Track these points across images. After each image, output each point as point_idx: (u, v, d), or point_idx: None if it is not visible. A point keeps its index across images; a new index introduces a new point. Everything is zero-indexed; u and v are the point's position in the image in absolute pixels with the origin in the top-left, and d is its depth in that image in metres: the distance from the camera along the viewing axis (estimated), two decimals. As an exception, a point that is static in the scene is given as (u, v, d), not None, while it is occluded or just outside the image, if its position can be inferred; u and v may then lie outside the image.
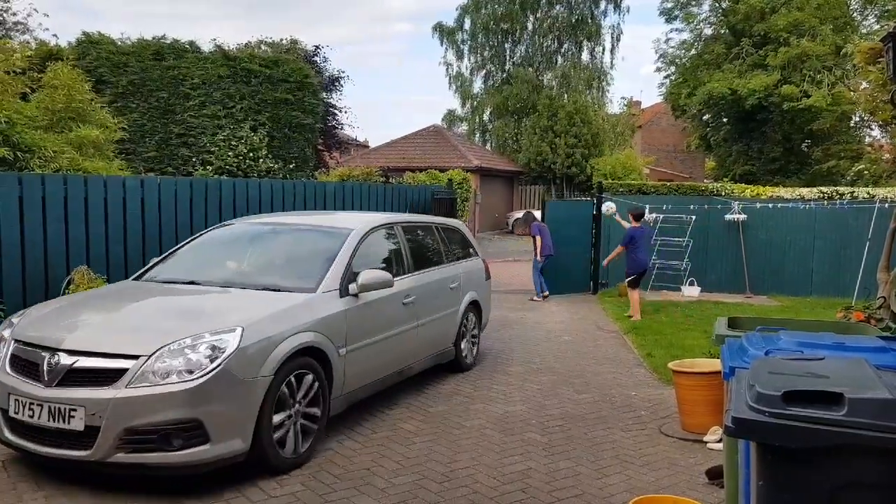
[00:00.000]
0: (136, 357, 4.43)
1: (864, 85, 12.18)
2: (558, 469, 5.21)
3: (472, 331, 8.34)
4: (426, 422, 6.23)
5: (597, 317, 12.15)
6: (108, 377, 4.40)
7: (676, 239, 14.86)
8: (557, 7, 40.39)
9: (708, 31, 37.08)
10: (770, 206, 14.94)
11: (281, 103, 20.13)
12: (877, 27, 29.91)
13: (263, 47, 23.04)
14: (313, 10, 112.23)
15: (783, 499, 2.63)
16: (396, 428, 6.03)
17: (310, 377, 5.18)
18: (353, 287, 5.82)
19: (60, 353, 4.52)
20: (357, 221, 6.75)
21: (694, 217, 14.83)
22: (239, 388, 4.56)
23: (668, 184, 19.85)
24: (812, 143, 32.10)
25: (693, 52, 37.18)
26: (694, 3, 36.33)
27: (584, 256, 14.96)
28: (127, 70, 19.01)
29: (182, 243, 6.94)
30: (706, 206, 14.99)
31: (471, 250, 8.87)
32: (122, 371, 4.39)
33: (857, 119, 31.23)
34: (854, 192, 15.54)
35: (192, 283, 5.93)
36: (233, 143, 19.02)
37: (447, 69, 42.67)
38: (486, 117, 42.98)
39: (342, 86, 25.50)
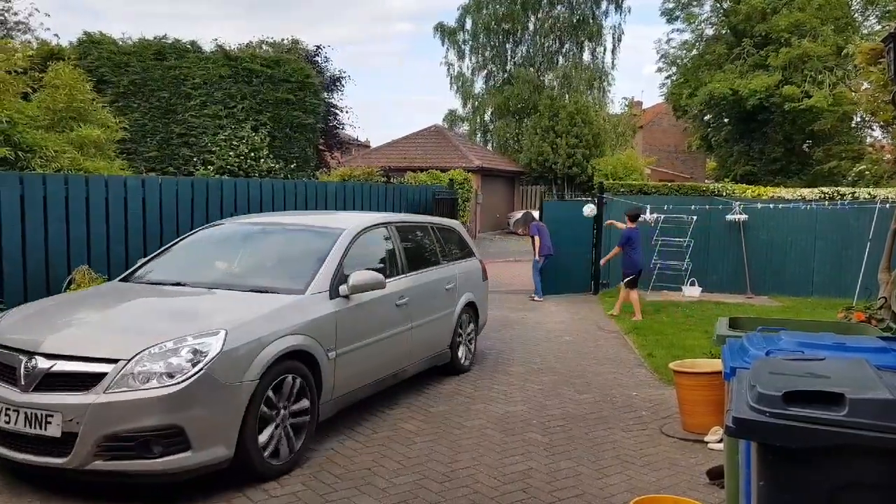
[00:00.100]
0: (115, 361, 4.30)
1: (866, 85, 12.18)
2: (559, 469, 5.21)
3: (468, 333, 8.22)
4: (427, 422, 6.23)
5: (597, 317, 12.15)
6: (86, 382, 4.28)
7: (677, 239, 14.85)
8: (559, 7, 40.41)
9: (709, 32, 37.08)
10: (771, 206, 14.93)
11: (282, 103, 20.14)
12: (878, 28, 29.92)
13: (265, 47, 23.05)
14: (314, 10, 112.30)
15: (784, 499, 2.64)
16: (397, 428, 6.03)
17: (297, 381, 5.04)
18: (343, 288, 5.69)
19: (38, 357, 4.39)
20: (349, 221, 6.63)
21: (695, 217, 14.82)
22: (222, 393, 4.43)
23: (670, 184, 19.84)
24: (813, 144, 32.09)
25: (694, 52, 37.17)
26: (695, 3, 36.33)
27: (584, 257, 14.95)
28: (128, 70, 19.02)
29: (171, 243, 6.86)
30: (707, 207, 14.98)
31: (468, 251, 8.75)
32: (101, 375, 4.26)
33: (859, 120, 31.22)
34: (855, 192, 15.52)
35: (178, 284, 5.81)
36: (234, 142, 19.03)
37: (448, 69, 42.73)
38: (487, 117, 43.00)
39: (343, 86, 25.53)
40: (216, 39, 34.64)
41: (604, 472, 5.20)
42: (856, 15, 33.24)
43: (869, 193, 15.26)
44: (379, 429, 6.00)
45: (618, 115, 42.60)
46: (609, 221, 14.30)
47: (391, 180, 21.99)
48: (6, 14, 22.75)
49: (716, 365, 5.81)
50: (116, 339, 4.56)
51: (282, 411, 4.90)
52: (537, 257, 14.16)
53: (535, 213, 16.29)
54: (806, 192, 16.14)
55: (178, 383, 4.26)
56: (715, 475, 4.95)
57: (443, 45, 42.70)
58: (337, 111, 25.51)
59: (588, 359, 8.98)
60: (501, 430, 6.04)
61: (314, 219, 7.26)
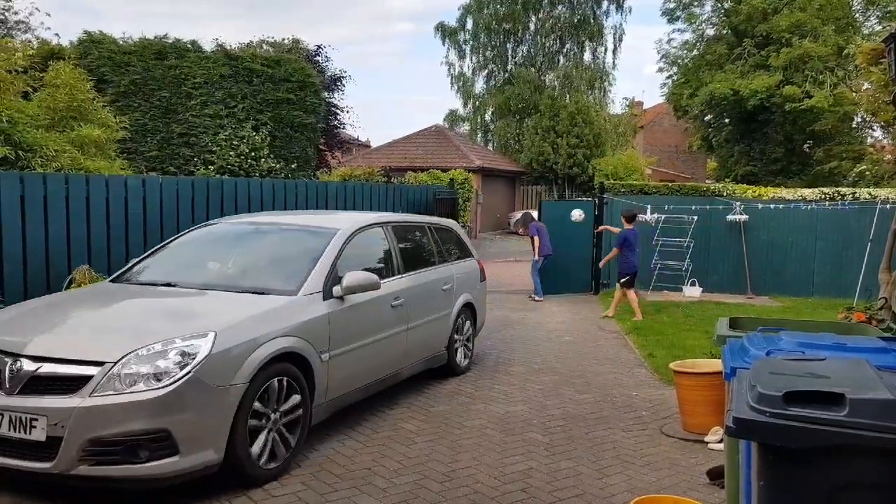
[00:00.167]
0: (101, 363, 4.21)
1: (866, 86, 12.19)
2: (559, 469, 5.21)
3: (465, 334, 8.14)
4: (427, 421, 6.23)
5: (598, 317, 12.14)
6: (71, 385, 4.19)
7: (678, 239, 14.84)
8: (559, 7, 40.42)
9: (710, 32, 37.06)
10: (772, 206, 14.93)
11: (283, 103, 20.14)
12: (879, 28, 29.93)
13: (265, 47, 23.05)
14: (314, 10, 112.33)
15: (784, 499, 2.63)
16: (398, 428, 6.04)
17: (290, 384, 4.96)
18: (337, 289, 5.61)
19: (23, 359, 4.29)
20: (344, 221, 6.53)
21: (696, 217, 14.82)
22: (210, 396, 4.35)
23: (670, 184, 19.81)
24: (814, 144, 32.08)
25: (695, 52, 37.14)
26: (696, 3, 36.30)
27: (584, 257, 14.95)
28: (129, 69, 19.01)
29: (164, 242, 6.77)
30: (708, 207, 14.97)
31: (465, 251, 8.66)
32: (87, 378, 4.17)
33: (859, 120, 31.21)
34: (856, 192, 15.52)
35: (169, 284, 5.72)
36: (234, 142, 19.03)
37: (449, 69, 42.74)
38: (487, 117, 43.01)
39: (344, 85, 25.48)
40: (217, 39, 34.71)
41: (604, 472, 5.19)
42: (857, 15, 33.23)
43: (869, 194, 15.26)
44: (379, 429, 6.00)
45: (619, 116, 42.57)
46: (601, 227, 14.28)
47: (392, 180, 21.99)
48: (7, 13, 22.74)
49: (716, 365, 5.81)
50: (103, 342, 4.49)
51: (273, 415, 4.82)
52: (537, 257, 14.17)
53: (534, 214, 16.29)
54: (806, 192, 16.13)
55: (166, 386, 4.18)
56: (715, 475, 4.95)
57: (443, 44, 42.78)
58: (337, 111, 25.50)
59: (588, 359, 8.98)
60: (502, 430, 6.04)
61: (309, 218, 7.17)
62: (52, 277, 7.92)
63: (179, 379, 4.22)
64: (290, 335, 5.00)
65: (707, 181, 36.05)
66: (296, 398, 5.02)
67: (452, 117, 43.78)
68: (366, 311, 5.99)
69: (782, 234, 14.85)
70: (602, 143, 35.72)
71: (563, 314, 12.45)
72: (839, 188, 16.79)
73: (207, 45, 20.29)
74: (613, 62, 54.11)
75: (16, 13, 23.40)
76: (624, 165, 30.70)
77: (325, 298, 5.53)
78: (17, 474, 4.33)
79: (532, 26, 41.20)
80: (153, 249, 6.63)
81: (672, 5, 36.77)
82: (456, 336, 7.84)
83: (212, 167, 18.55)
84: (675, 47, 38.68)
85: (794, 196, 15.78)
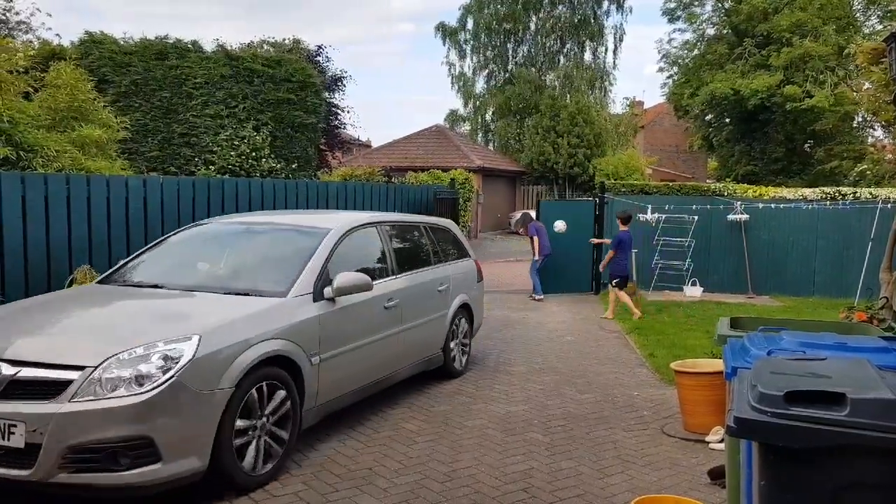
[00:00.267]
0: (81, 368, 4.09)
1: (867, 85, 12.18)
2: (560, 469, 5.21)
3: (462, 335, 8.02)
4: (428, 421, 6.23)
5: (599, 317, 12.13)
6: (51, 390, 4.06)
7: (679, 239, 14.85)
8: (560, 7, 40.39)
9: (711, 32, 37.05)
10: (772, 206, 14.92)
11: (283, 103, 20.15)
12: (879, 27, 29.91)
13: (266, 47, 23.04)
14: (315, 11, 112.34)
15: (785, 499, 2.63)
16: (398, 427, 6.04)
17: (278, 388, 4.85)
18: (328, 291, 5.48)
19: (2, 363, 4.16)
20: (337, 221, 6.39)
21: (696, 217, 14.82)
22: (194, 401, 4.23)
23: (671, 184, 19.80)
24: (815, 144, 32.06)
25: (696, 52, 37.13)
26: (697, 3, 36.28)
27: (585, 256, 14.95)
28: (129, 70, 19.04)
29: (153, 242, 6.68)
30: (708, 207, 14.97)
31: (462, 251, 8.53)
32: (67, 383, 4.05)
33: (860, 119, 31.21)
34: (857, 192, 15.51)
35: (156, 286, 5.60)
36: (235, 142, 19.04)
37: (450, 69, 42.73)
38: (488, 117, 42.99)
39: (345, 85, 25.49)
40: (217, 39, 34.65)
41: (605, 471, 5.19)
42: (857, 15, 33.20)
43: (870, 193, 15.24)
44: (380, 428, 6.00)
45: (619, 115, 42.57)
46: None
47: (392, 180, 21.99)
48: (8, 14, 22.74)
49: (717, 365, 5.81)
50: (84, 345, 4.37)
51: (260, 420, 4.71)
52: (536, 257, 14.19)
53: (533, 214, 16.30)
54: (807, 191, 16.12)
55: (147, 391, 4.07)
56: (716, 475, 4.95)
57: (444, 44, 42.74)
58: (338, 111, 25.50)
59: (589, 358, 8.97)
60: (503, 430, 6.04)
61: (301, 218, 7.01)
62: (53, 277, 7.93)
63: (162, 384, 4.11)
64: (278, 338, 4.89)
65: (708, 181, 36.06)
66: (284, 403, 4.91)
67: (453, 117, 43.78)
68: (358, 313, 5.86)
69: (783, 233, 14.84)
70: (603, 143, 35.72)
71: (564, 314, 12.45)
72: (840, 188, 16.78)
73: (208, 46, 20.35)
74: (614, 62, 54.22)
75: (17, 13, 23.45)
76: (625, 165, 30.73)
77: (315, 300, 5.41)
78: None
79: (532, 26, 41.20)
80: (142, 250, 6.55)
81: (672, 5, 36.77)
82: (452, 337, 7.74)
83: (212, 167, 18.56)
84: (675, 47, 38.71)
85: (794, 196, 15.78)
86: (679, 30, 53.41)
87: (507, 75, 41.24)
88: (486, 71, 42.31)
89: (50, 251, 7.99)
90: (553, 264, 14.37)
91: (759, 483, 2.71)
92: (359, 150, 36.91)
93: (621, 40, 41.92)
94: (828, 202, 14.96)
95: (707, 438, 5.82)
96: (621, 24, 51.38)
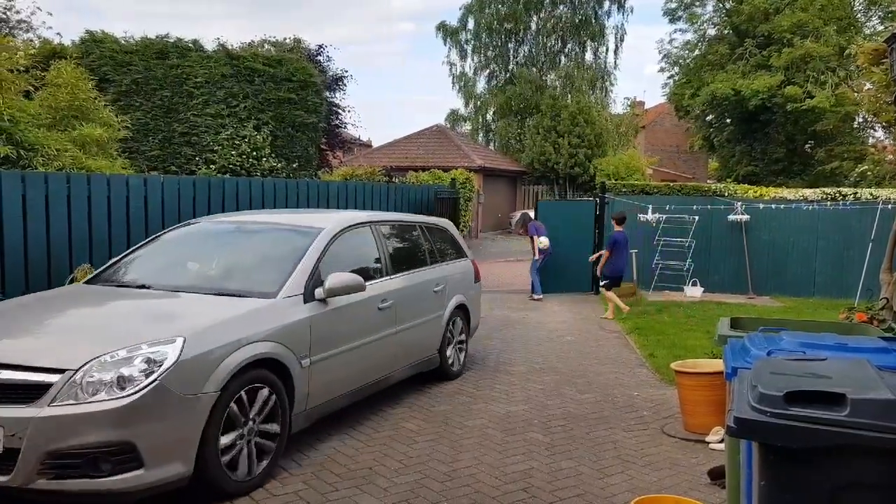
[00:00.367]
0: (62, 371, 3.99)
1: (868, 86, 12.18)
2: (560, 469, 5.21)
3: (458, 336, 7.93)
4: (428, 421, 6.23)
5: (598, 317, 12.13)
6: (31, 393, 3.96)
7: (679, 239, 14.85)
8: (561, 7, 40.36)
9: (712, 32, 37.07)
10: (773, 206, 14.92)
11: (284, 102, 20.16)
12: (880, 28, 29.92)
13: (267, 46, 23.07)
14: (315, 10, 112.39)
15: (785, 499, 2.64)
16: (399, 427, 6.04)
17: (266, 392, 4.74)
18: (319, 291, 5.37)
19: None
20: (329, 220, 6.25)
21: (697, 217, 14.82)
22: (178, 406, 4.12)
23: (672, 184, 19.78)
24: (815, 144, 32.06)
25: (697, 52, 37.15)
26: (697, 3, 36.30)
27: (585, 256, 14.95)
28: (130, 69, 19.06)
29: (143, 242, 6.56)
30: (709, 207, 14.97)
31: (459, 251, 8.42)
32: (47, 386, 3.95)
33: (861, 120, 31.21)
34: (857, 193, 15.50)
35: (143, 286, 5.50)
36: (236, 142, 19.05)
37: (450, 69, 42.67)
38: (489, 117, 42.95)
39: (345, 85, 25.55)
40: (218, 38, 34.68)
41: (605, 471, 5.20)
42: (858, 15, 33.21)
43: (871, 194, 15.23)
44: (380, 428, 6.00)
45: (620, 115, 42.51)
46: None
47: (393, 180, 21.99)
48: (8, 13, 22.74)
49: (717, 365, 5.82)
50: (65, 348, 4.27)
51: (248, 424, 4.61)
52: (536, 256, 14.21)
53: (532, 214, 16.32)
54: (808, 192, 16.11)
55: (129, 396, 3.96)
56: (716, 475, 4.95)
57: (445, 44, 42.68)
58: (339, 110, 25.53)
59: (589, 358, 8.98)
60: (503, 430, 6.05)
61: (293, 217, 6.86)
62: (53, 277, 7.93)
63: (144, 387, 4.01)
64: (267, 340, 4.79)
65: (708, 181, 36.06)
66: (273, 407, 4.82)
67: (454, 117, 43.75)
68: (350, 314, 5.75)
69: (784, 234, 14.84)
70: (603, 143, 35.68)
71: (564, 314, 12.45)
72: (841, 188, 16.77)
73: (209, 45, 20.39)
74: (615, 62, 53.92)
75: (17, 12, 23.40)
76: (625, 165, 30.69)
77: (306, 301, 5.30)
78: None
79: (533, 26, 41.17)
80: (132, 249, 6.46)
81: (673, 5, 36.80)
82: (448, 339, 7.65)
83: (213, 166, 18.57)
84: (676, 47, 38.74)
85: (795, 196, 15.77)
86: (680, 30, 53.65)
87: (507, 75, 41.21)
88: (487, 71, 42.30)
89: (50, 250, 7.99)
90: (553, 264, 14.39)
91: (758, 483, 2.71)
92: (359, 149, 36.95)
93: (622, 40, 41.89)
94: (828, 203, 14.95)
95: (707, 438, 5.82)
96: (622, 24, 51.66)
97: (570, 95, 38.50)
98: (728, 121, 35.18)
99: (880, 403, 2.57)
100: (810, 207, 14.76)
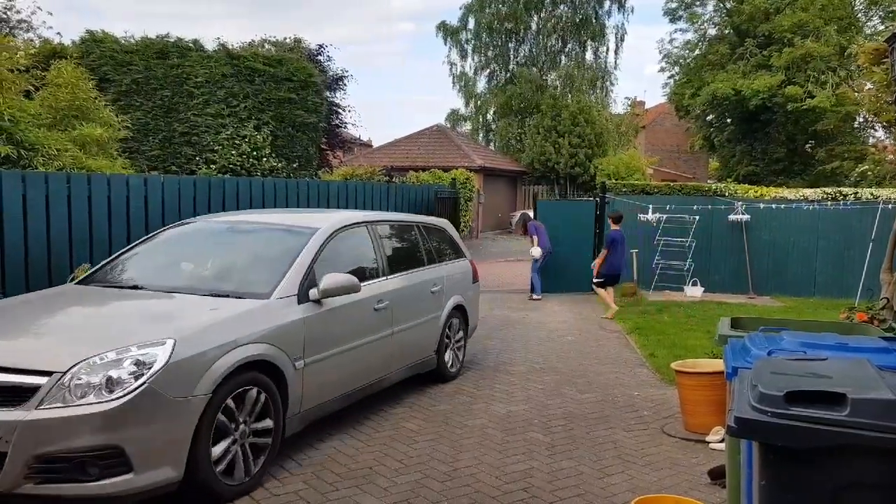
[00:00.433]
0: (49, 373, 3.92)
1: (869, 86, 12.20)
2: (560, 468, 5.21)
3: (456, 338, 7.86)
4: (429, 421, 6.23)
5: (599, 316, 12.13)
6: (18, 396, 3.89)
7: (679, 239, 14.86)
8: (561, 7, 40.38)
9: (712, 32, 37.09)
10: (773, 206, 14.91)
11: (284, 102, 20.16)
12: (881, 28, 29.92)
13: (267, 46, 23.06)
14: (316, 10, 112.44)
15: (785, 499, 2.63)
16: (399, 427, 6.04)
17: (259, 394, 4.67)
18: (313, 292, 5.31)
19: None
20: (325, 220, 6.18)
21: (697, 217, 14.82)
22: (168, 409, 4.05)
23: (672, 184, 19.78)
24: (816, 144, 32.07)
25: (697, 52, 37.17)
26: (698, 3, 36.32)
27: (586, 256, 14.95)
28: (130, 68, 19.05)
29: (137, 242, 6.50)
30: (709, 207, 14.97)
31: (457, 251, 8.35)
32: (34, 389, 3.88)
33: (861, 120, 31.20)
34: (858, 192, 15.50)
35: (136, 287, 5.44)
36: (236, 141, 19.05)
37: (451, 68, 42.72)
38: (489, 117, 43.00)
39: (346, 85, 25.55)
40: (219, 38, 34.66)
41: (605, 471, 5.19)
42: (859, 15, 33.21)
43: (871, 194, 15.24)
44: (381, 428, 6.00)
45: (620, 115, 42.56)
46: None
47: (393, 180, 22.00)
48: (9, 12, 22.75)
49: (717, 365, 5.82)
50: (53, 350, 4.21)
51: (240, 427, 4.54)
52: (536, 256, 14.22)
53: (531, 214, 16.33)
54: (808, 192, 16.11)
55: (118, 399, 3.89)
56: (716, 475, 4.95)
57: (445, 44, 42.74)
58: (339, 110, 25.53)
59: (590, 358, 8.97)
60: (503, 430, 6.04)
61: (288, 217, 6.78)
62: (54, 276, 7.93)
63: (133, 390, 3.94)
64: (260, 342, 4.72)
65: (709, 181, 36.05)
66: (266, 409, 4.76)
67: (454, 117, 43.79)
68: (345, 315, 5.68)
69: (784, 234, 14.83)
70: (604, 143, 35.71)
71: (565, 314, 12.44)
72: (841, 188, 16.78)
73: (209, 45, 20.36)
74: (615, 62, 54.10)
75: (18, 12, 23.43)
76: (626, 165, 30.71)
77: (300, 302, 5.23)
78: None
79: (534, 26, 41.19)
80: (125, 248, 6.41)
81: (674, 5, 36.82)
82: (446, 340, 7.57)
83: (213, 166, 18.57)
84: (676, 47, 38.77)
85: (795, 196, 15.76)
86: (680, 30, 53.61)
87: (508, 75, 41.24)
88: (488, 70, 42.33)
89: (51, 249, 7.99)
90: (553, 264, 14.39)
91: (759, 483, 2.71)
92: (360, 149, 36.96)
93: (622, 40, 41.94)
94: (829, 203, 14.95)
95: (707, 438, 5.82)
96: (623, 23, 51.62)
97: (570, 95, 38.54)
98: (728, 121, 35.20)
99: (881, 403, 2.57)
100: (811, 207, 14.76)
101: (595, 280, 12.38)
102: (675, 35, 57.15)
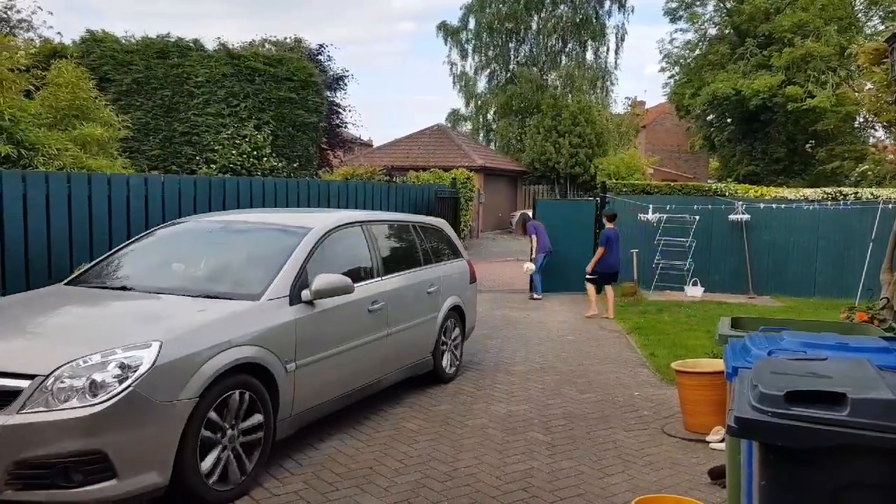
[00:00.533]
0: (32, 377, 3.83)
1: (869, 86, 12.20)
2: (561, 468, 5.21)
3: (453, 339, 7.76)
4: (429, 420, 6.23)
5: (600, 316, 12.12)
6: None
7: (680, 239, 14.86)
8: (562, 7, 40.39)
9: (712, 32, 37.12)
10: (774, 206, 14.92)
11: (285, 102, 20.15)
12: (881, 28, 29.93)
13: (268, 46, 23.04)
14: (316, 10, 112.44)
15: (786, 499, 2.63)
16: (399, 427, 6.04)
17: (249, 397, 4.57)
18: (305, 293, 5.21)
19: None
20: (318, 220, 6.09)
21: (697, 217, 14.83)
22: (153, 413, 3.96)
23: (672, 184, 19.77)
24: (816, 144, 32.09)
25: (697, 52, 37.20)
26: (698, 3, 36.34)
27: (586, 256, 14.93)
28: (131, 68, 19.06)
29: (127, 242, 6.42)
30: (710, 207, 14.97)
31: (454, 251, 8.25)
32: (16, 392, 3.79)
33: (862, 120, 31.23)
34: (858, 192, 15.51)
35: (124, 288, 5.37)
36: (237, 141, 19.05)
37: (451, 68, 42.76)
38: (490, 117, 43.02)
39: (346, 84, 25.54)
40: (219, 38, 34.65)
41: (605, 471, 5.20)
42: (859, 15, 33.23)
43: (872, 194, 15.24)
44: (381, 428, 6.00)
45: (620, 115, 42.61)
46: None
47: (394, 179, 21.99)
48: (9, 12, 22.75)
49: (718, 365, 5.82)
50: (36, 352, 4.14)
51: (229, 432, 4.45)
52: (534, 255, 14.22)
53: (531, 214, 16.35)
54: (809, 192, 16.12)
55: (101, 403, 3.80)
56: (716, 475, 4.95)
57: (446, 44, 42.80)
58: (340, 110, 25.51)
59: (590, 358, 8.97)
60: (503, 430, 6.04)
61: (282, 217, 6.65)
62: (54, 276, 7.92)
63: (117, 394, 3.85)
64: (250, 344, 4.62)
65: (709, 181, 36.09)
66: (256, 413, 4.66)
67: (455, 117, 43.82)
68: (339, 317, 5.58)
69: (784, 233, 14.84)
70: (604, 143, 35.74)
71: (565, 313, 12.44)
72: (841, 188, 16.78)
73: (210, 44, 20.36)
74: (615, 62, 54.09)
75: (18, 12, 23.45)
76: (626, 165, 30.72)
77: (291, 303, 5.13)
78: None
79: (534, 26, 41.22)
80: (116, 248, 6.31)
81: (674, 5, 36.85)
82: (442, 341, 7.48)
83: (214, 166, 18.57)
84: (677, 47, 38.81)
85: (796, 196, 15.77)
86: (681, 30, 53.70)
87: (508, 75, 41.25)
88: (488, 70, 42.35)
89: (51, 249, 7.99)
90: (554, 264, 14.39)
91: (759, 483, 2.71)
92: (360, 149, 36.92)
93: (623, 40, 41.99)
94: (829, 203, 14.95)
95: (707, 438, 5.82)
96: (623, 23, 51.59)
97: (570, 95, 38.57)
98: (729, 120, 35.23)
99: (881, 403, 2.57)
100: (811, 207, 14.76)
101: (588, 276, 12.37)
102: (675, 35, 57.19)
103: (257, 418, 4.67)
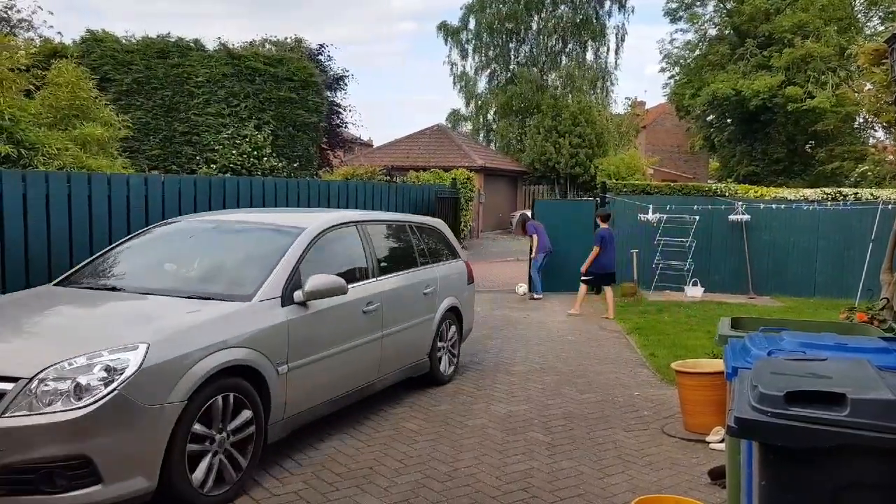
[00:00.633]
0: (15, 379, 3.75)
1: (868, 86, 12.19)
2: (561, 469, 5.21)
3: (450, 340, 7.68)
4: (429, 421, 6.23)
5: (599, 316, 12.13)
6: None
7: (680, 239, 14.85)
8: (562, 7, 40.41)
9: (712, 32, 37.13)
10: (773, 206, 14.91)
11: (285, 102, 20.17)
12: (881, 28, 29.93)
13: (268, 46, 23.08)
14: (317, 10, 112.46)
15: (786, 499, 2.64)
16: (399, 427, 6.04)
17: (239, 401, 4.50)
18: (298, 294, 5.12)
19: None
20: (312, 220, 6.01)
21: (697, 217, 14.82)
22: (140, 417, 3.88)
23: (672, 184, 19.78)
24: (816, 145, 32.10)
25: (697, 52, 37.21)
26: (698, 3, 36.35)
27: (585, 256, 14.91)
28: (131, 68, 19.08)
29: (119, 241, 6.35)
30: (710, 207, 14.97)
31: (452, 252, 8.17)
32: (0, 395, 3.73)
33: (861, 120, 31.24)
34: (858, 193, 15.51)
35: (114, 288, 5.29)
36: (237, 141, 19.06)
37: (451, 68, 42.78)
38: (490, 117, 43.03)
39: (346, 85, 25.57)
40: (219, 38, 34.70)
41: (605, 471, 5.20)
42: (859, 16, 33.24)
43: (871, 194, 15.24)
44: (381, 428, 6.00)
45: (621, 115, 42.62)
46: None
47: (394, 179, 22.00)
48: (9, 12, 22.76)
49: (718, 365, 5.82)
50: (21, 354, 4.07)
51: (219, 435, 4.36)
52: (534, 255, 14.23)
53: (530, 214, 16.36)
54: (808, 192, 16.12)
55: (86, 406, 3.72)
56: (716, 475, 4.95)
57: (446, 44, 42.83)
58: (340, 110, 25.54)
59: (590, 358, 8.97)
60: (503, 430, 6.05)
61: (276, 217, 6.53)
62: (54, 276, 7.88)
63: (103, 398, 3.77)
64: (240, 346, 4.54)
65: (709, 181, 36.12)
66: (247, 416, 4.57)
67: (455, 117, 43.84)
68: (332, 318, 5.50)
69: (784, 234, 14.83)
70: (604, 143, 35.75)
71: (565, 313, 12.43)
72: (841, 188, 16.79)
73: (210, 44, 20.40)
74: (616, 62, 54.19)
75: (18, 11, 23.48)
76: (626, 165, 30.74)
77: (283, 305, 5.03)
78: None
79: (534, 26, 41.23)
80: (107, 248, 6.24)
81: (674, 5, 36.87)
82: (439, 343, 7.40)
83: (214, 166, 18.58)
84: (677, 47, 38.84)
85: (795, 196, 15.77)
86: (681, 30, 53.83)
87: (508, 75, 41.26)
88: (488, 70, 42.36)
89: (51, 249, 7.98)
90: (553, 264, 14.39)
91: (759, 483, 2.71)
92: (360, 149, 36.95)
93: (623, 40, 42.05)
94: (829, 203, 14.95)
95: (707, 438, 5.82)
96: (623, 24, 51.63)
97: (570, 95, 38.59)
98: (729, 121, 35.25)
99: (881, 403, 2.57)
100: (811, 207, 14.76)
101: (583, 277, 12.36)
102: (675, 35, 57.33)
103: (248, 421, 4.59)
